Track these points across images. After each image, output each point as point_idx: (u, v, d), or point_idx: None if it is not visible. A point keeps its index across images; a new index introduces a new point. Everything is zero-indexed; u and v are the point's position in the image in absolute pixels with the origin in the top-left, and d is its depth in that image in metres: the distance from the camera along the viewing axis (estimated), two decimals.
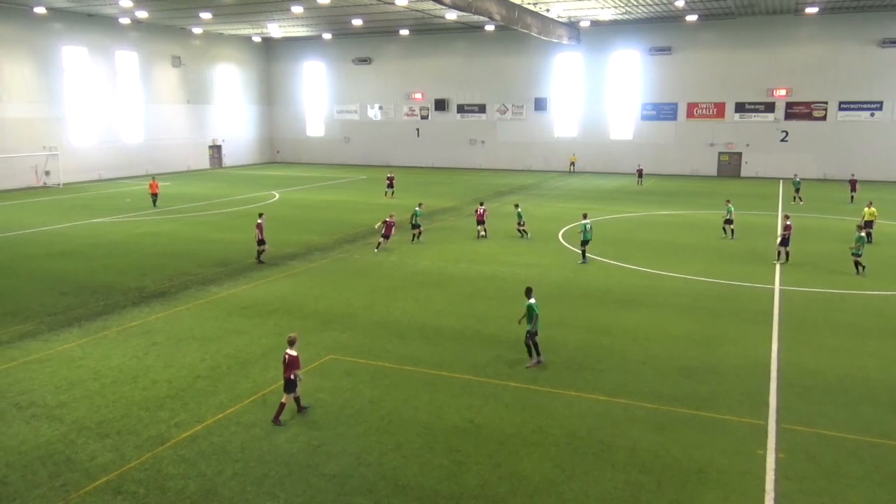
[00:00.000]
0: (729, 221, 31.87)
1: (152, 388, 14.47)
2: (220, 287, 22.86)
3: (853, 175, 47.92)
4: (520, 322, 16.08)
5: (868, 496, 10.41)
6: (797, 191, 44.10)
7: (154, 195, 42.35)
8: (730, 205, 32.67)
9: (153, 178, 46.65)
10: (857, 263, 24.61)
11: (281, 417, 12.76)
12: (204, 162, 71.33)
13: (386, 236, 28.64)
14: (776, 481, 10.79)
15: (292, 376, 12.60)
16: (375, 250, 28.19)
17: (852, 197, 43.77)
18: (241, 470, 11.14)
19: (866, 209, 31.01)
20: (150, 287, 22.91)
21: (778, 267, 25.73)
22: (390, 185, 47.24)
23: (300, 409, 13.11)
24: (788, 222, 26.63)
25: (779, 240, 26.84)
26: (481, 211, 31.90)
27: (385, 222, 28.85)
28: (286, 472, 11.09)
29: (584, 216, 27.29)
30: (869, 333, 18.10)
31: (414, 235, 30.71)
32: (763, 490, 10.56)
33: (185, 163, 68.34)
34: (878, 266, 25.98)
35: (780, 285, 23.08)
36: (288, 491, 10.53)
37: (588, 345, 17.15)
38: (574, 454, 11.65)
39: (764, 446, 11.90)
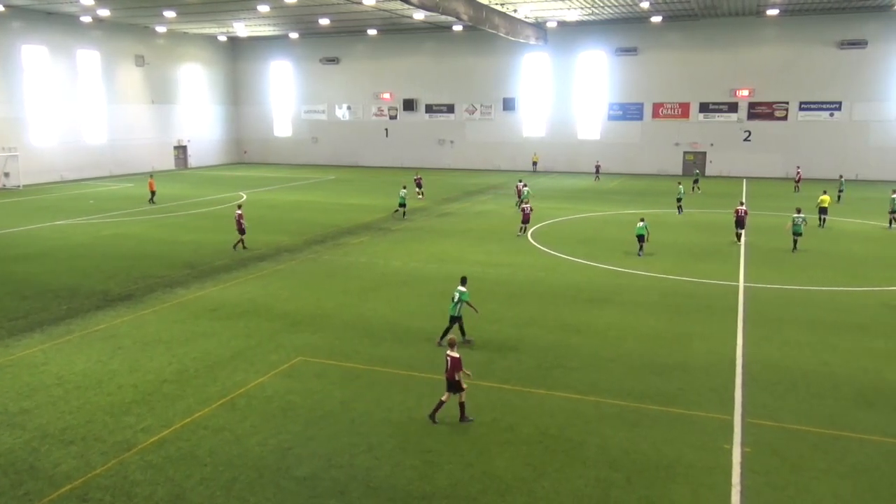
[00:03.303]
0: (679, 199, 39.28)
1: (118, 392, 14.21)
2: (188, 289, 22.54)
3: (798, 168, 53.29)
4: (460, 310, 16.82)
5: (832, 488, 10.63)
6: (696, 181, 50.75)
7: (152, 192, 43.72)
8: (681, 186, 40.43)
9: (151, 175, 48.51)
10: (795, 241, 28.47)
11: (437, 414, 12.84)
12: (169, 163, 70.30)
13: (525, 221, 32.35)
14: (743, 475, 10.97)
15: (456, 377, 12.53)
16: (518, 234, 32.24)
17: (797, 187, 50.19)
18: (210, 474, 10.99)
19: (822, 196, 34.41)
20: (115, 290, 22.50)
21: (742, 264, 26.20)
22: (419, 186, 46.84)
23: (462, 418, 12.83)
24: (742, 207, 30.45)
25: (734, 221, 30.57)
26: (520, 186, 40.72)
27: (523, 210, 32.65)
28: (256, 475, 10.97)
29: (641, 220, 28.18)
30: (831, 329, 18.50)
31: (403, 213, 37.12)
32: (730, 484, 10.73)
33: (150, 163, 67.17)
34: (840, 262, 26.60)
35: (745, 282, 23.48)
36: (258, 495, 10.42)
37: (558, 343, 17.26)
38: (545, 452, 11.71)
39: (730, 441, 12.10)
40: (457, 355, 12.62)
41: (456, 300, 16.62)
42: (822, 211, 33.76)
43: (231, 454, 11.63)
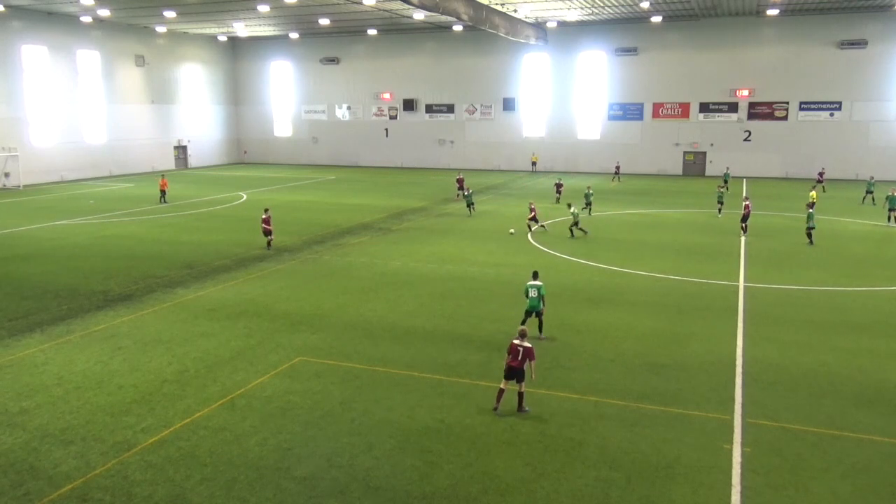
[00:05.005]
0: (721, 202, 39.34)
1: (118, 393, 14.22)
2: (187, 289, 22.55)
3: (822, 169, 54.00)
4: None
5: (831, 488, 10.64)
6: (725, 182, 48.73)
7: (163, 192, 43.80)
8: (721, 189, 40.91)
9: (163, 175, 48.44)
10: (809, 235, 29.94)
11: (524, 404, 13.27)
12: (169, 163, 70.30)
13: (535, 220, 33.37)
14: (742, 475, 10.97)
15: (525, 367, 12.93)
16: (544, 227, 33.98)
17: (823, 187, 49.71)
18: (210, 475, 11.00)
19: (811, 192, 38.37)
20: (115, 290, 22.51)
21: (742, 264, 26.21)
22: (461, 188, 46.18)
23: (520, 408, 13.22)
24: (747, 202, 32.65)
25: (741, 217, 32.62)
26: (560, 183, 45.07)
27: (531, 208, 33.84)
28: (256, 475, 10.97)
29: (570, 206, 32.48)
30: (831, 329, 18.51)
31: (470, 209, 38.97)
32: (730, 484, 10.73)
33: (150, 164, 67.25)
34: (840, 262, 26.61)
35: (745, 282, 23.48)
36: (258, 495, 10.43)
37: (558, 343, 17.25)
38: (545, 452, 11.72)
39: (730, 440, 12.10)
40: (530, 345, 13.02)
41: (536, 295, 16.95)
42: (811, 206, 36.08)
43: (231, 454, 11.64)
